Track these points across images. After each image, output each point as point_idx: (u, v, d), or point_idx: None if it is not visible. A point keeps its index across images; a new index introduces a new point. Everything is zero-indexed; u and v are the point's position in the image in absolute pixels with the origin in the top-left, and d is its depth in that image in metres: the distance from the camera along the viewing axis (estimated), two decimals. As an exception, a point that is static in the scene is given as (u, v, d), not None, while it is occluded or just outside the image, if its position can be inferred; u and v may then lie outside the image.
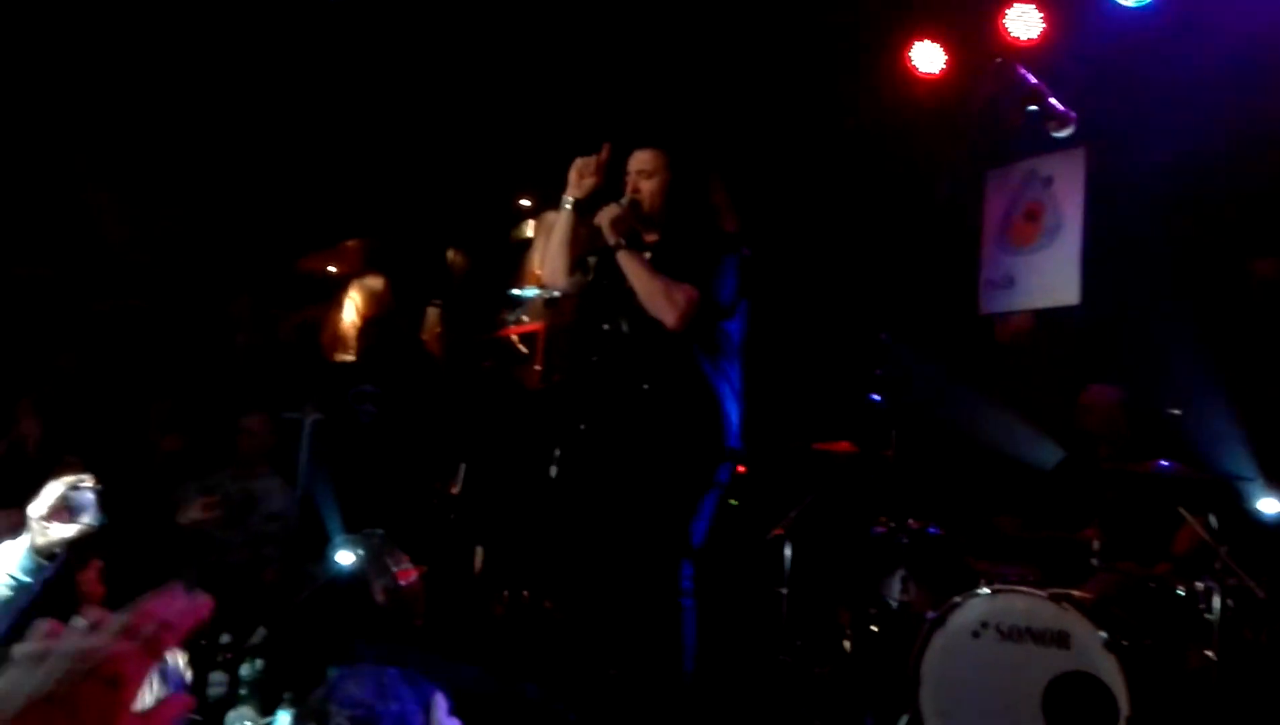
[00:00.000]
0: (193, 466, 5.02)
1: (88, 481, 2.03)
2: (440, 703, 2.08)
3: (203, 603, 0.84)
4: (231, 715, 2.73)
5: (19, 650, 0.82)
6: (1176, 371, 4.51)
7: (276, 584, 3.91)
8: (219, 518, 4.11)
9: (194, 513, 4.05)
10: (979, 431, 5.24)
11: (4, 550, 2.04)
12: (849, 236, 5.86)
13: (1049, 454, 4.84)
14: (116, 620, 0.83)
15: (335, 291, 11.01)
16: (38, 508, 2.00)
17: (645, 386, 3.26)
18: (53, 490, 2.01)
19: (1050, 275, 5.58)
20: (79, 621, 0.83)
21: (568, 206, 3.48)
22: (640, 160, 3.42)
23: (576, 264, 3.49)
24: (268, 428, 4.99)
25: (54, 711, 0.76)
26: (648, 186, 3.39)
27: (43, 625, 0.83)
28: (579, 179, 3.45)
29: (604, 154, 3.44)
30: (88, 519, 2.02)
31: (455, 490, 4.97)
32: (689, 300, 3.17)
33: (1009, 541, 4.25)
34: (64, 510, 2.00)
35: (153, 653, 0.80)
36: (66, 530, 2.00)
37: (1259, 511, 3.77)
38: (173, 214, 8.12)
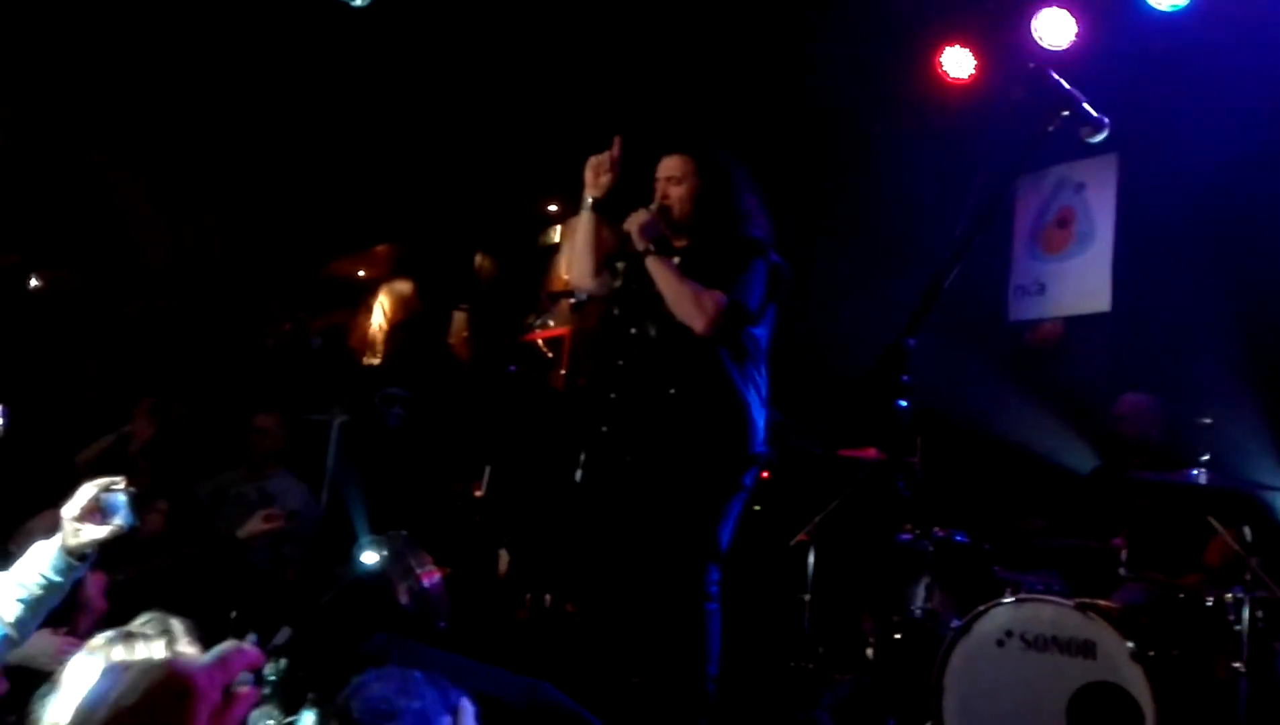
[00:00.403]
0: (206, 467, 5.08)
1: (120, 483, 2.05)
2: (467, 707, 2.09)
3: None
4: (255, 714, 2.74)
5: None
6: (1208, 380, 4.46)
7: (300, 583, 3.95)
8: (281, 528, 4.16)
9: (255, 524, 4.10)
10: (1007, 439, 5.19)
11: (38, 550, 2.06)
12: (877, 241, 5.84)
13: (1078, 462, 4.80)
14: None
15: (364, 296, 11.12)
16: (70, 509, 2.02)
17: (672, 391, 3.26)
18: (85, 492, 2.03)
19: (1082, 282, 5.53)
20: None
21: (588, 206, 3.49)
22: (669, 166, 3.43)
23: (603, 264, 3.50)
24: (280, 427, 5.03)
25: (132, 719, 0.86)
26: (676, 192, 3.39)
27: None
28: (595, 177, 3.46)
29: (615, 149, 3.44)
30: (120, 521, 2.03)
31: (480, 493, 4.99)
32: (718, 306, 3.17)
33: (1035, 550, 4.21)
34: (96, 512, 2.01)
35: (225, 670, 0.88)
36: (98, 532, 2.01)
37: (1290, 522, 3.71)
38: (204, 219, 8.23)
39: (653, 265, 3.26)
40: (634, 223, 3.31)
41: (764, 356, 3.37)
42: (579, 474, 3.46)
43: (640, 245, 3.29)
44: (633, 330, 3.38)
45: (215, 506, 4.90)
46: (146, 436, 4.98)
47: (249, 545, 4.14)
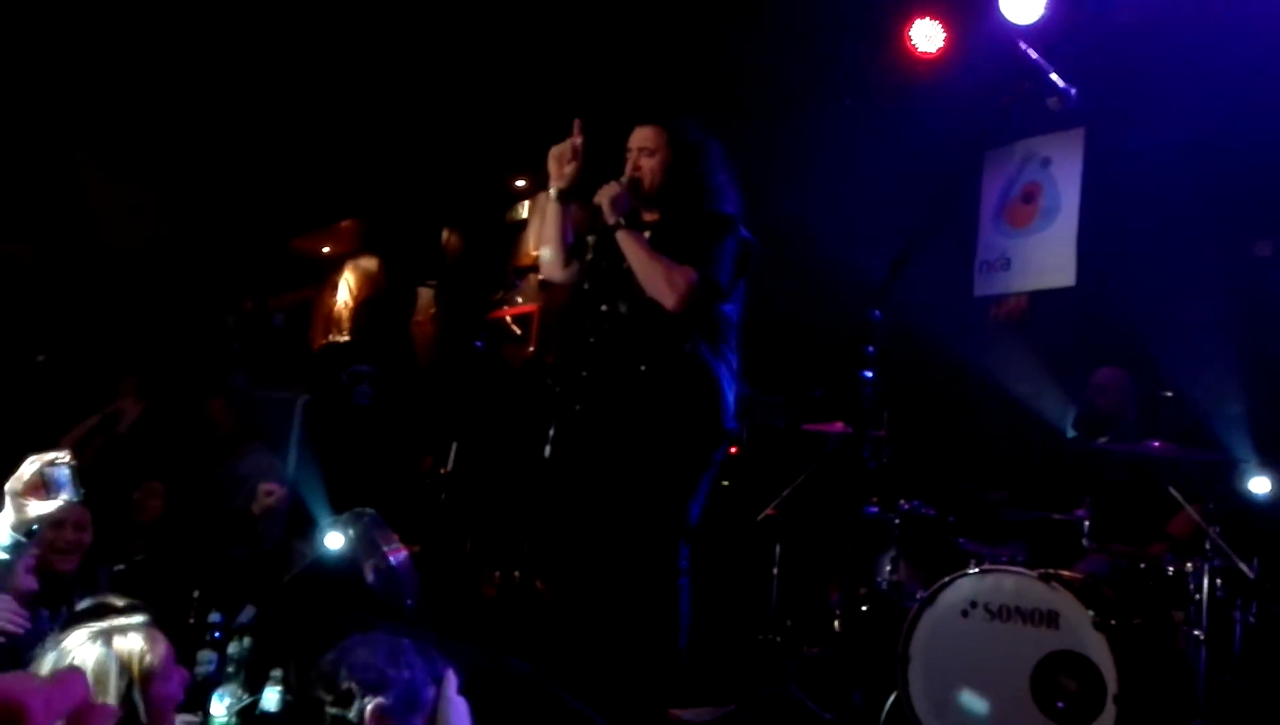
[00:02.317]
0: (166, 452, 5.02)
1: (65, 458, 2.01)
2: (451, 679, 2.07)
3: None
4: (219, 693, 2.72)
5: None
6: (1171, 354, 4.51)
7: (266, 562, 3.91)
8: (283, 497, 4.17)
9: (262, 500, 4.09)
10: (973, 412, 5.23)
11: None
12: (844, 214, 5.84)
13: (1043, 434, 4.84)
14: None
15: (329, 272, 10.99)
16: (14, 484, 1.99)
17: (642, 367, 3.24)
18: (29, 467, 1.99)
19: (1047, 257, 5.56)
20: None
21: (554, 198, 3.42)
22: (641, 137, 3.38)
23: (573, 251, 3.46)
24: (231, 408, 4.97)
25: None
26: (648, 164, 3.34)
27: None
28: (559, 168, 3.38)
29: (577, 136, 3.37)
30: (65, 495, 2.00)
31: (446, 470, 4.96)
32: (689, 282, 3.14)
33: (1000, 522, 4.25)
34: (41, 487, 1.98)
35: (65, 694, 0.81)
36: (44, 507, 1.99)
37: (1250, 492, 3.77)
38: (165, 194, 8.08)
39: (623, 240, 3.23)
40: (604, 196, 3.27)
41: (735, 332, 3.35)
42: (547, 450, 3.44)
43: (610, 219, 3.25)
44: (603, 306, 3.35)
45: (186, 490, 4.84)
46: (135, 415, 4.91)
47: (260, 521, 4.13)
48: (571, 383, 3.37)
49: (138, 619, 2.04)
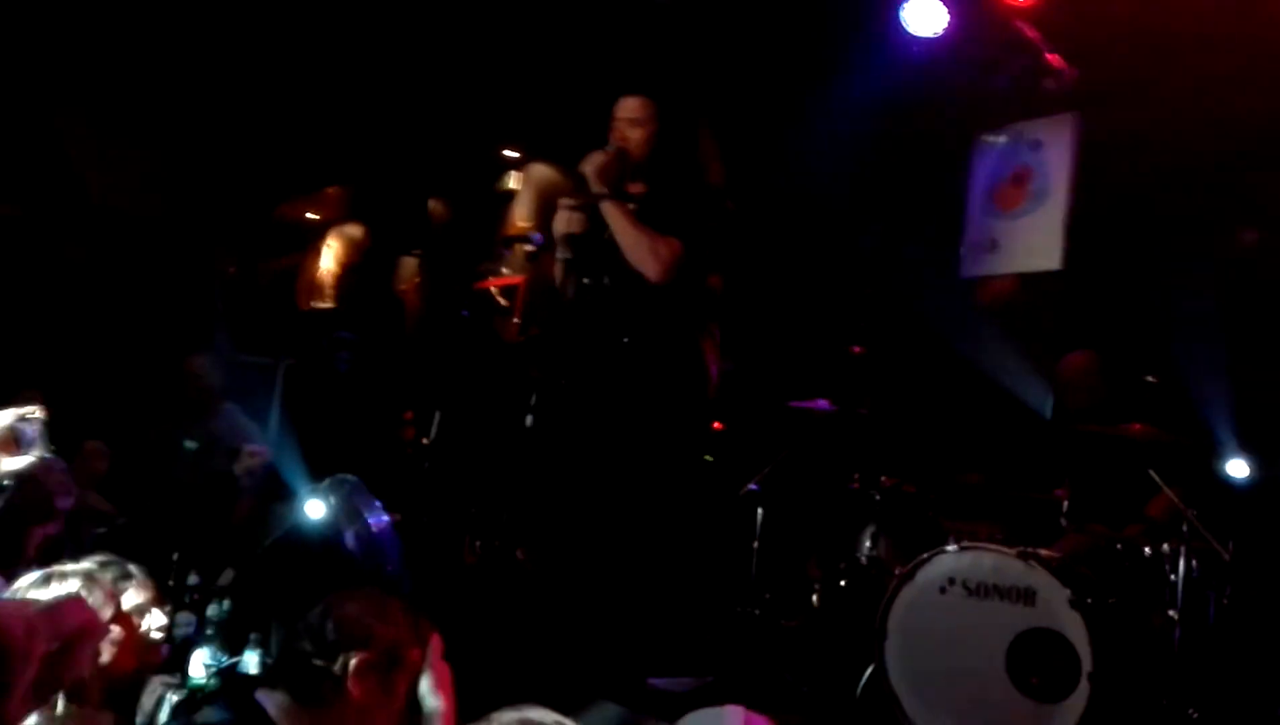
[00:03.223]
0: (153, 413, 4.99)
1: (37, 413, 2.00)
2: (436, 643, 2.07)
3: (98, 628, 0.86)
4: (197, 654, 2.72)
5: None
6: (1157, 337, 4.53)
7: (245, 525, 3.91)
8: (266, 459, 4.16)
9: (245, 461, 4.09)
10: (957, 392, 5.25)
11: None
12: (834, 193, 5.83)
13: (1025, 415, 4.87)
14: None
15: (314, 239, 10.90)
16: None
17: (625, 339, 3.24)
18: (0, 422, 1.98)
19: (1034, 240, 5.56)
20: None
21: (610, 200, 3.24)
22: (628, 108, 3.36)
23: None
24: (212, 367, 4.94)
25: None
26: (635, 136, 3.33)
27: None
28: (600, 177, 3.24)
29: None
30: (36, 451, 1.99)
31: (428, 439, 4.95)
32: (673, 254, 3.14)
33: (980, 501, 4.28)
34: (11, 443, 1.97)
35: (54, 621, 0.81)
36: (15, 463, 1.97)
37: (1228, 475, 3.80)
38: (152, 159, 7.99)
39: (608, 210, 3.22)
40: (590, 166, 3.25)
41: (718, 305, 3.35)
42: (529, 420, 3.43)
43: (596, 189, 3.24)
44: (586, 279, 3.34)
45: (164, 452, 4.82)
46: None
47: (241, 482, 4.13)
48: (554, 354, 3.36)
49: (82, 566, 2.07)
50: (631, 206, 3.28)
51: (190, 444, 4.79)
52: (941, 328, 5.43)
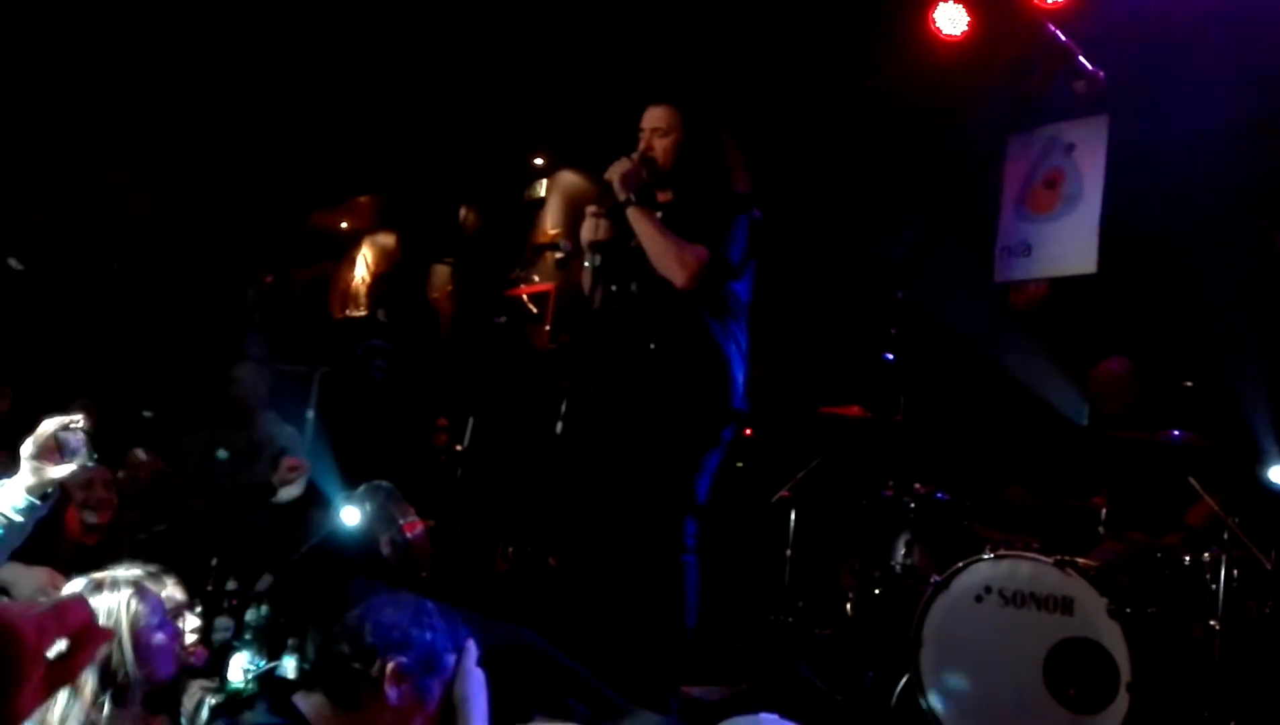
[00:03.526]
0: (195, 420, 5.05)
1: (80, 422, 2.02)
2: (471, 649, 2.08)
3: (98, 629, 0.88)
4: (235, 659, 2.75)
5: None
6: (1194, 342, 4.47)
7: (282, 530, 3.95)
8: (306, 472, 4.20)
9: (284, 474, 4.12)
10: (991, 398, 5.20)
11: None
12: (866, 197, 5.81)
13: (1061, 423, 4.82)
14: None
15: (347, 247, 11.02)
16: (29, 448, 2.00)
17: (652, 346, 3.24)
18: (45, 430, 2.00)
19: (1068, 244, 5.51)
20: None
21: (636, 207, 3.25)
22: (654, 117, 3.37)
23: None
24: (257, 376, 5.00)
25: None
26: (661, 144, 3.33)
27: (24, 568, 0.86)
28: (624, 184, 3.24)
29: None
30: (80, 459, 2.01)
31: (462, 446, 4.98)
32: (699, 261, 3.14)
33: (1016, 509, 4.23)
34: (55, 450, 1.99)
35: (59, 621, 0.83)
36: (59, 470, 2.00)
37: (1269, 482, 3.74)
38: (185, 169, 8.11)
39: (634, 217, 3.22)
40: (615, 172, 3.26)
41: (745, 312, 3.35)
42: (559, 426, 3.44)
43: (621, 195, 3.24)
44: (613, 286, 3.34)
45: (205, 460, 4.88)
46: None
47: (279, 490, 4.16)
48: (582, 360, 3.37)
49: (133, 573, 2.12)
50: (658, 214, 3.28)
51: (223, 453, 4.84)
52: (975, 333, 5.39)
